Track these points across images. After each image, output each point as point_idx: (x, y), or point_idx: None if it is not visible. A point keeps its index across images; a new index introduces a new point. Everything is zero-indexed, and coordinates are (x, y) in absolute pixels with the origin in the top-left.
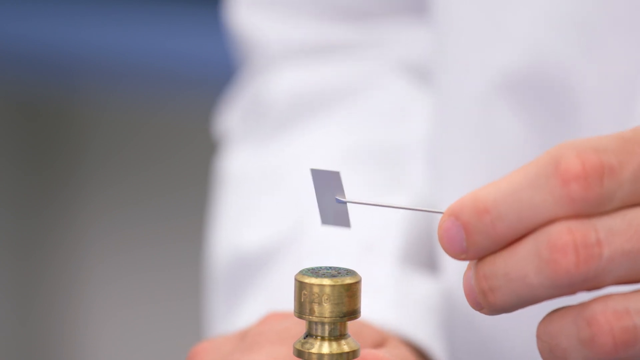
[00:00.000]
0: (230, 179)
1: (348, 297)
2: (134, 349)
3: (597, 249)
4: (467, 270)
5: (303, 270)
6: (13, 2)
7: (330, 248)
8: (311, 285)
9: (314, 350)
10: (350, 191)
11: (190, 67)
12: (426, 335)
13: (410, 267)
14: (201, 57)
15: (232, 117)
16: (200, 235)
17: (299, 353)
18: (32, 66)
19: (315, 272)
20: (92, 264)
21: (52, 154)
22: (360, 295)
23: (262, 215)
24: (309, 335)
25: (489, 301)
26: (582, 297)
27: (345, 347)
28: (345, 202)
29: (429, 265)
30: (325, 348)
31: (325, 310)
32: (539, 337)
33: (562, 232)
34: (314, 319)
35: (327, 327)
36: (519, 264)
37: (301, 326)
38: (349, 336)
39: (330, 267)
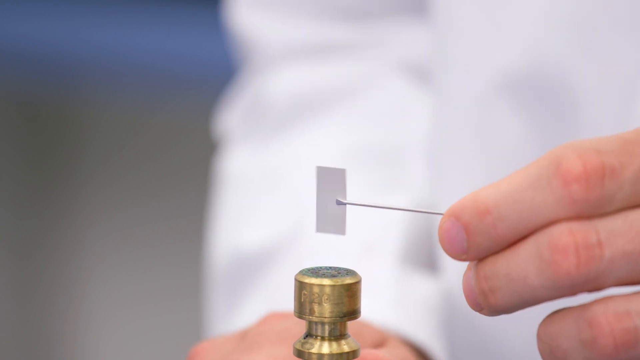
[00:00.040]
0: (230, 179)
1: (348, 297)
2: (134, 349)
3: (598, 251)
4: (466, 270)
5: (303, 270)
6: (13, 2)
7: (330, 248)
8: (311, 285)
9: (314, 350)
10: (351, 191)
11: (190, 67)
12: (426, 335)
13: (410, 267)
14: (201, 57)
15: (232, 117)
16: (200, 235)
17: (299, 353)
18: (32, 66)
19: (315, 272)
20: (92, 264)
21: (52, 154)
22: (360, 295)
23: (262, 215)
24: (309, 335)
25: (489, 302)
26: (583, 298)
27: (345, 347)
28: (345, 204)
29: (429, 265)
30: (325, 348)
31: (325, 310)
32: (539, 338)
33: (563, 233)
34: (314, 319)
35: (327, 327)
36: (520, 265)
37: (301, 326)
38: (349, 336)
39: (330, 267)
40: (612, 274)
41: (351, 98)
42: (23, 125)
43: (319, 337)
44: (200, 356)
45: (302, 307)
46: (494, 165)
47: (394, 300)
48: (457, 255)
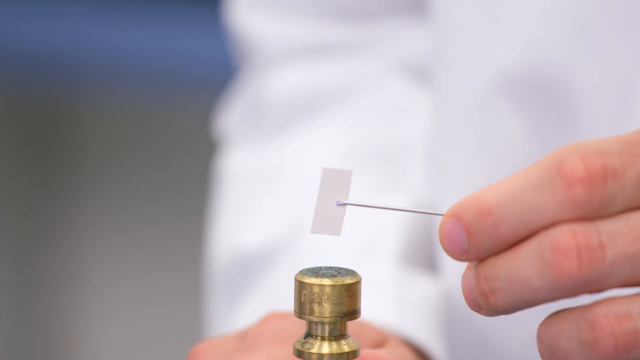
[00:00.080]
0: (230, 179)
1: (348, 297)
2: (134, 349)
3: (599, 252)
4: (466, 271)
5: (303, 270)
6: (13, 2)
7: (330, 248)
8: (311, 285)
9: (314, 350)
10: (351, 191)
11: (190, 67)
12: (426, 335)
13: (410, 267)
14: (201, 57)
15: (232, 117)
16: (200, 235)
17: (299, 353)
18: (32, 66)
19: (315, 272)
20: (92, 264)
21: (52, 154)
22: (360, 295)
23: (261, 215)
24: (309, 335)
25: (489, 303)
26: (583, 299)
27: (345, 347)
28: (345, 205)
29: (429, 265)
30: (325, 348)
31: (325, 310)
32: (539, 338)
33: (565, 235)
34: (314, 319)
35: (327, 327)
36: (521, 266)
37: (301, 326)
38: (349, 336)
39: (330, 267)
40: (614, 276)
41: (351, 98)
42: (23, 125)
43: (319, 337)
44: (200, 356)
45: (302, 307)
46: (493, 165)
47: (394, 300)
48: (458, 256)
